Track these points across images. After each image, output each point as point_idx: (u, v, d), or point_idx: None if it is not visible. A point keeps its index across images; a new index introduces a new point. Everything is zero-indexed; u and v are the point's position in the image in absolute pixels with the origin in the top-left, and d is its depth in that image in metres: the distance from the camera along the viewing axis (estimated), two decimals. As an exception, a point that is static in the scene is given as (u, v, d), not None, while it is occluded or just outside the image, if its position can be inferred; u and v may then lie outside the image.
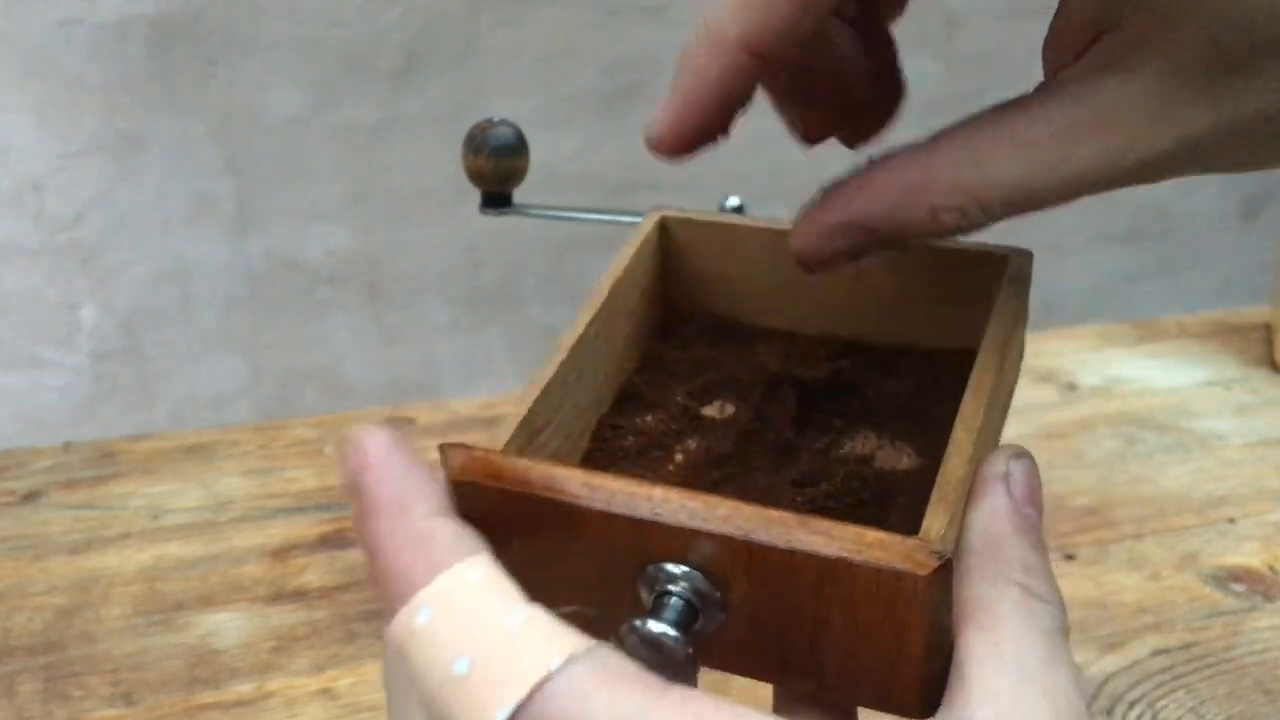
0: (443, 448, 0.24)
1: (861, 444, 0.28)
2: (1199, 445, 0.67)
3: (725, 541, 0.21)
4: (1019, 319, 0.27)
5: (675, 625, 0.22)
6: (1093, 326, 0.85)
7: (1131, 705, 0.46)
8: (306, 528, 0.61)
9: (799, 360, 0.31)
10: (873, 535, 0.21)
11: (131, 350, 1.21)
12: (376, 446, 0.23)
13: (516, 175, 0.58)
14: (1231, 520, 0.59)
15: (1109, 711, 0.46)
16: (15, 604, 0.55)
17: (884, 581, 0.20)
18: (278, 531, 0.61)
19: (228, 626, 0.53)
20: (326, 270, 1.24)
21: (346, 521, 0.62)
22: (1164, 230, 1.50)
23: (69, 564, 0.58)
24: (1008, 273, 0.28)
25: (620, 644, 0.22)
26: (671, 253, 0.32)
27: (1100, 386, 0.75)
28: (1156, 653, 0.49)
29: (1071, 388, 0.75)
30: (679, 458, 0.29)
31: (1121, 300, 1.55)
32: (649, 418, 0.30)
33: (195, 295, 1.21)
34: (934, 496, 0.22)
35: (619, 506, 0.22)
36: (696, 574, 0.22)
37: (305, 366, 1.27)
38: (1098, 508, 0.61)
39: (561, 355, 0.27)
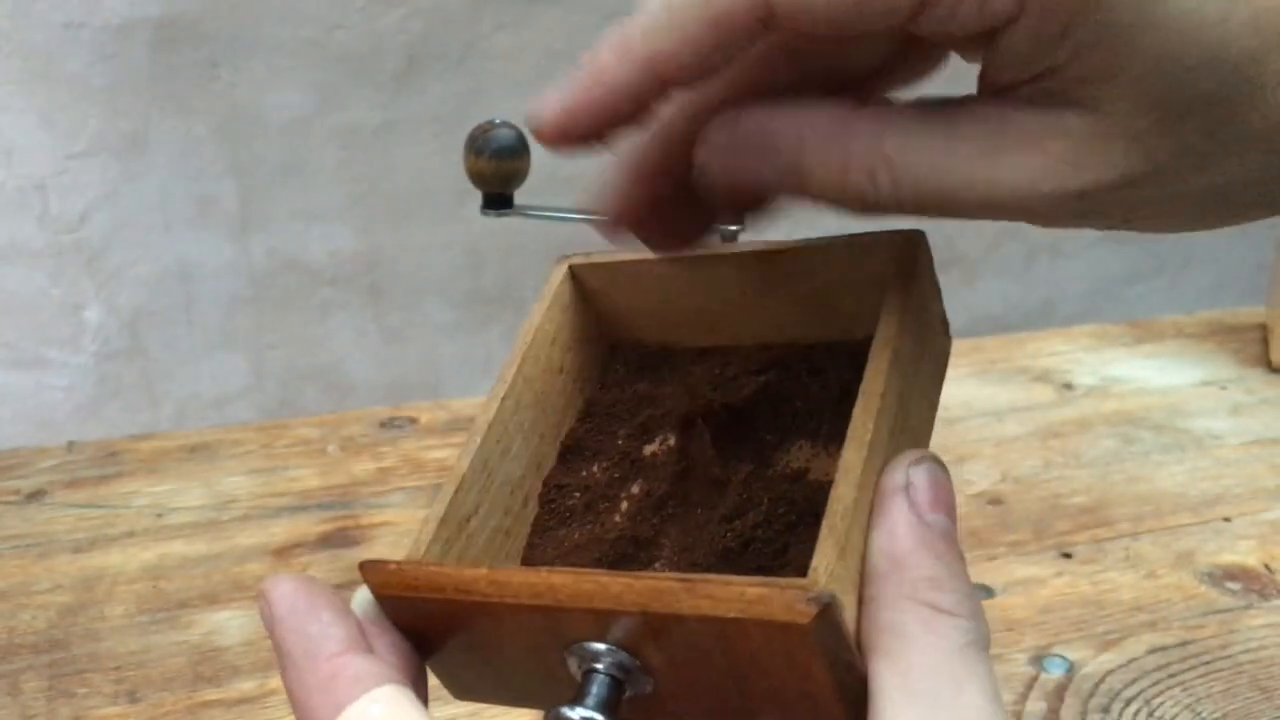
0: (362, 566, 0.25)
1: (795, 457, 0.28)
2: (1195, 445, 0.67)
3: (626, 617, 0.22)
4: (911, 306, 0.26)
5: (601, 704, 0.22)
6: (1090, 327, 0.85)
7: (1128, 703, 0.47)
8: (309, 526, 0.62)
9: (729, 382, 0.30)
10: (753, 590, 0.20)
11: (135, 350, 1.22)
12: (281, 599, 0.24)
13: (518, 177, 0.58)
14: (1227, 519, 0.60)
15: (1105, 709, 0.46)
16: (20, 602, 0.55)
17: (771, 634, 0.20)
18: (280, 530, 0.61)
19: (231, 625, 0.53)
20: (329, 271, 1.25)
21: (349, 520, 0.62)
22: (1163, 231, 1.50)
23: (73, 562, 0.58)
24: (896, 261, 0.27)
25: None
26: (590, 296, 0.32)
27: (1097, 386, 0.75)
28: (1153, 650, 0.50)
29: (1069, 387, 0.75)
30: (624, 506, 0.29)
31: (1118, 301, 1.55)
32: (594, 468, 0.30)
33: (198, 296, 1.22)
34: (822, 530, 0.22)
35: (525, 598, 0.23)
36: (615, 648, 0.23)
37: (307, 366, 1.28)
38: (1094, 507, 0.61)
39: (477, 439, 0.28)
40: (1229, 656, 0.49)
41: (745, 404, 0.29)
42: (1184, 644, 0.50)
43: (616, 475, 0.30)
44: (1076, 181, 0.22)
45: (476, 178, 0.58)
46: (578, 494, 0.30)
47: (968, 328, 1.63)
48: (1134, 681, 0.48)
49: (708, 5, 0.22)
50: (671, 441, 0.30)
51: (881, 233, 0.28)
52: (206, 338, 1.23)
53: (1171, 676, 0.48)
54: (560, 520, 0.29)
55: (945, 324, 0.29)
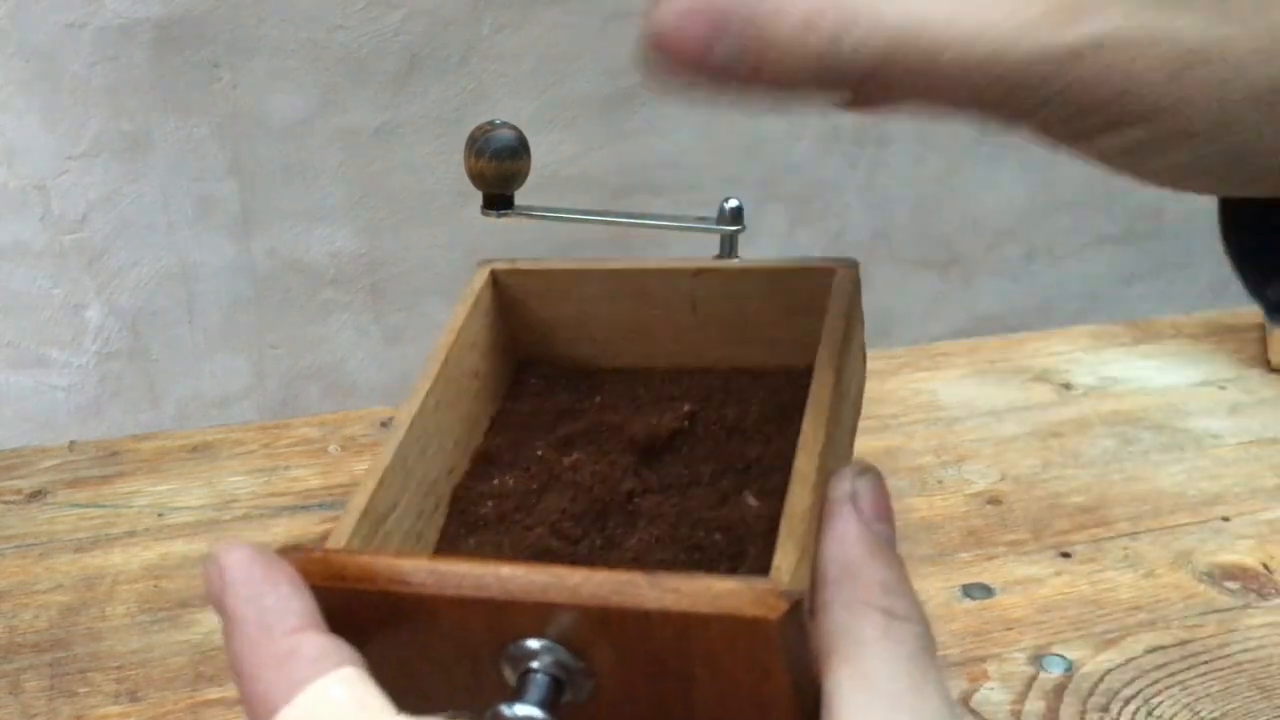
0: (283, 552, 0.23)
1: (717, 486, 0.28)
2: (1194, 444, 0.68)
3: (580, 611, 0.21)
4: (850, 330, 0.26)
5: (540, 704, 0.21)
6: (1088, 327, 0.85)
7: (1127, 702, 0.47)
8: (310, 526, 0.62)
9: (649, 405, 0.30)
10: (721, 585, 0.20)
11: (137, 350, 1.22)
12: (235, 565, 0.22)
13: (518, 177, 0.59)
14: (1226, 519, 0.60)
15: (1104, 709, 0.46)
16: (21, 601, 0.55)
17: (738, 630, 0.20)
18: (281, 530, 0.61)
19: (232, 623, 0.53)
20: (330, 271, 1.25)
21: (349, 520, 0.62)
22: (1158, 231, 1.50)
23: (75, 562, 0.59)
24: (833, 285, 0.27)
25: None
26: (509, 304, 0.31)
27: (1096, 386, 0.75)
28: (1151, 650, 0.50)
29: (1068, 388, 0.76)
30: (540, 520, 0.28)
31: (1117, 301, 1.55)
32: (508, 479, 0.29)
33: (200, 296, 1.22)
34: (782, 532, 0.22)
35: (469, 590, 0.21)
36: (557, 647, 0.21)
37: (309, 366, 1.28)
38: (1093, 506, 0.61)
39: (400, 434, 0.27)
40: (1227, 656, 0.49)
41: (669, 431, 0.29)
42: (1183, 643, 0.50)
43: (533, 487, 0.29)
44: (1073, 32, 0.19)
45: (477, 178, 0.59)
46: (490, 502, 0.29)
47: (967, 328, 1.63)
48: (1133, 681, 0.48)
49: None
50: (591, 460, 0.29)
51: (818, 260, 0.28)
52: (208, 338, 1.24)
53: (1170, 676, 0.48)
54: (470, 529, 0.28)
55: (864, 356, 0.30)
